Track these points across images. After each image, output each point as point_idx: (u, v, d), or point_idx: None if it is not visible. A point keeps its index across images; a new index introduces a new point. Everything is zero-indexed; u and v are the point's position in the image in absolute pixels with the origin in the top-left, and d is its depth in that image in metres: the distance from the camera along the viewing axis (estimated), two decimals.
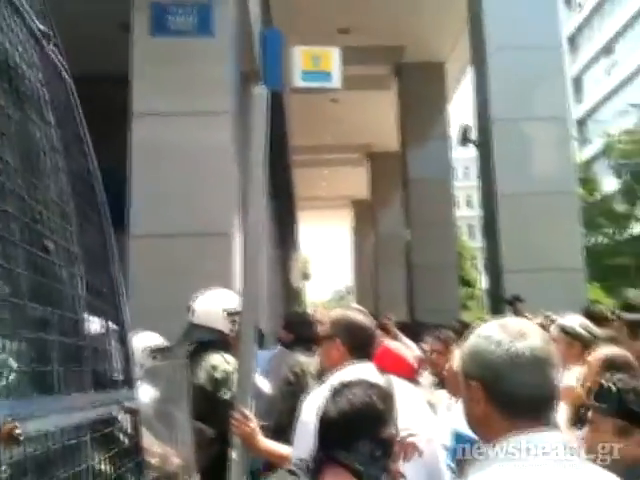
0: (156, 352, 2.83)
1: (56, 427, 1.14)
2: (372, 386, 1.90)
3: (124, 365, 1.68)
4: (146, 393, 2.35)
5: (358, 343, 2.53)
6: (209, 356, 3.44)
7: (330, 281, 61.46)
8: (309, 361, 4.16)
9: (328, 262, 58.49)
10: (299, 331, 4.51)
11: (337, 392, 1.87)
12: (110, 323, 1.64)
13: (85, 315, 1.44)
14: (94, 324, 1.52)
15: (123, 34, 5.73)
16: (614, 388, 2.05)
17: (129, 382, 1.68)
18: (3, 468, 0.91)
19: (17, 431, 0.87)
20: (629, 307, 4.18)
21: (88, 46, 6.69)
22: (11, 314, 1.03)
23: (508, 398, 1.31)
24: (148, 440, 2.32)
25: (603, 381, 2.13)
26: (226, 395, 3.22)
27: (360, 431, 1.78)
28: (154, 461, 2.27)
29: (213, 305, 3.57)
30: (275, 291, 15.11)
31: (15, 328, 1.02)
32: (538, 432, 1.29)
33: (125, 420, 1.58)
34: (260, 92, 2.90)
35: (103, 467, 1.43)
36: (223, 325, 3.51)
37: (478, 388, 1.33)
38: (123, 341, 1.71)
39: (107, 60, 6.33)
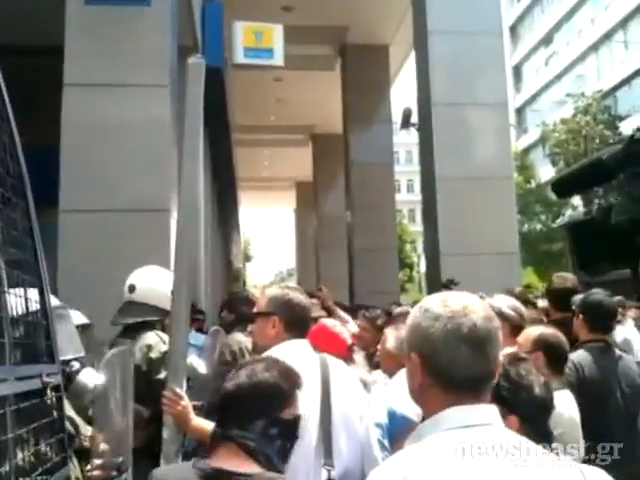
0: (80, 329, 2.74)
1: None
2: (275, 363, 1.85)
3: (47, 340, 1.63)
4: (104, 374, 2.31)
5: (295, 320, 2.53)
6: (145, 335, 3.39)
7: (273, 263, 61.39)
8: (248, 340, 4.14)
9: (271, 244, 58.46)
10: (240, 311, 4.49)
11: (239, 368, 1.83)
12: (33, 298, 1.58)
13: (5, 289, 1.38)
14: (15, 298, 1.46)
15: (58, 2, 5.50)
16: None
17: (52, 357, 1.62)
18: None
19: None
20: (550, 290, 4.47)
21: (21, 16, 6.42)
22: None
23: (445, 374, 1.30)
24: (98, 423, 2.28)
25: None
26: (161, 375, 3.17)
27: (255, 409, 1.74)
28: (98, 447, 2.23)
29: (158, 283, 3.50)
30: (216, 272, 14.97)
31: None
32: (474, 407, 1.29)
33: (48, 395, 1.53)
34: (196, 61, 2.83)
35: (23, 441, 1.38)
36: (165, 303, 3.45)
37: (416, 361, 1.33)
38: (46, 316, 1.65)
39: (41, 30, 6.08)
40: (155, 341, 3.36)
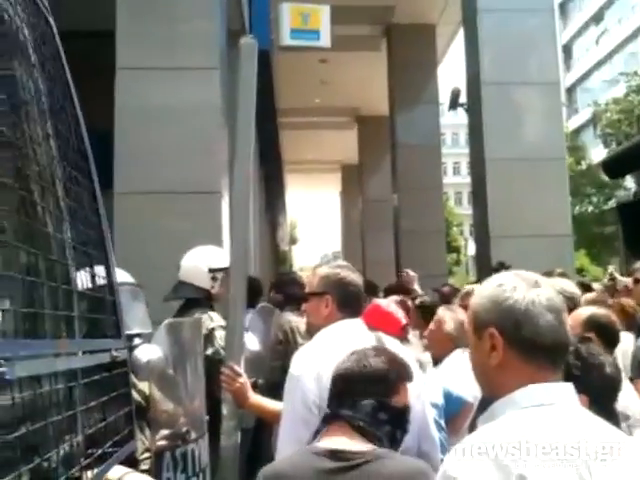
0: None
1: (45, 371, 1.11)
2: (385, 352, 1.96)
3: (114, 316, 1.66)
4: (162, 348, 2.35)
5: (348, 299, 2.50)
6: (193, 313, 3.45)
7: (318, 246, 61.48)
8: (298, 320, 4.17)
9: (316, 226, 58.52)
10: (288, 291, 4.53)
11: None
12: (99, 275, 1.61)
13: (74, 266, 1.41)
14: (83, 274, 1.49)
15: None
16: None
17: (118, 333, 1.66)
18: None
19: (2, 369, 0.85)
20: None
21: (73, 0, 6.51)
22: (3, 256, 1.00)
23: (529, 342, 1.30)
24: (158, 396, 2.33)
25: None
26: (208, 351, 3.23)
27: (363, 391, 1.82)
28: (162, 418, 2.28)
29: (196, 262, 3.58)
30: (263, 254, 15.09)
31: (4, 269, 0.99)
32: (552, 385, 1.29)
33: (115, 369, 1.56)
34: (248, 42, 2.83)
35: (92, 415, 1.42)
36: (205, 282, 3.53)
37: (496, 336, 1.32)
38: (112, 292, 1.68)
39: (92, 15, 6.17)
40: (203, 318, 3.41)
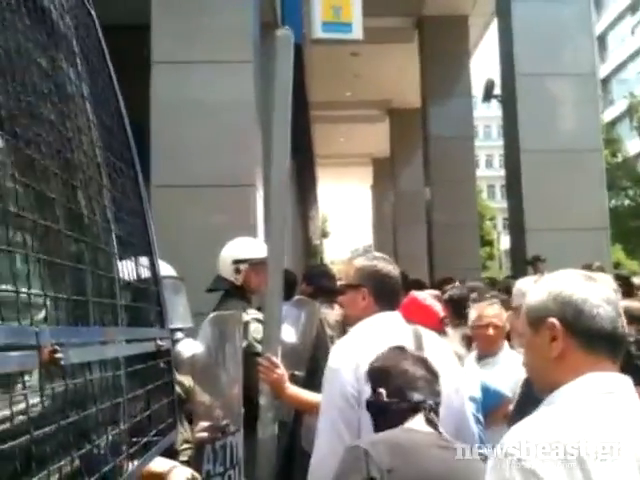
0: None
1: (94, 358, 1.12)
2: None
3: (157, 305, 1.67)
4: (204, 341, 2.36)
5: (385, 292, 2.47)
6: (228, 306, 3.45)
7: (349, 239, 61.42)
8: (327, 312, 4.17)
9: (347, 220, 58.45)
10: (319, 283, 4.51)
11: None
12: (144, 265, 1.62)
13: (120, 255, 1.42)
14: (128, 264, 1.50)
15: None
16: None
17: (162, 322, 1.67)
18: (45, 394, 0.89)
19: (58, 355, 0.85)
20: None
21: None
22: (51, 244, 1.01)
23: (590, 330, 1.31)
24: (199, 389, 2.35)
25: None
26: (243, 344, 3.23)
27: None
28: (203, 410, 2.29)
29: (223, 254, 3.58)
30: (294, 248, 15.12)
31: (53, 256, 1.00)
32: (611, 374, 1.30)
33: (159, 358, 1.57)
34: (285, 33, 2.81)
35: (136, 403, 1.43)
36: (229, 273, 3.51)
37: (558, 327, 1.33)
38: (156, 282, 1.69)
39: (127, 9, 6.22)
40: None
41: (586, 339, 1.31)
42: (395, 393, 1.96)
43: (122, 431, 1.28)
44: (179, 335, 2.31)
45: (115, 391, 1.26)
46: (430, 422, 1.93)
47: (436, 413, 1.97)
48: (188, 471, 1.62)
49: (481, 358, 3.41)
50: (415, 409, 1.94)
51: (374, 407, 2.01)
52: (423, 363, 2.06)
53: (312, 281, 4.60)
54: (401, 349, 2.10)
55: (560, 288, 1.36)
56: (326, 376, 2.28)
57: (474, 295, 4.49)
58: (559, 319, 1.33)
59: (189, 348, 2.33)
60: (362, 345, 2.28)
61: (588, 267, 4.36)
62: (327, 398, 2.25)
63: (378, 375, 2.04)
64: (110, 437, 1.20)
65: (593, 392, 1.26)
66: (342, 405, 2.19)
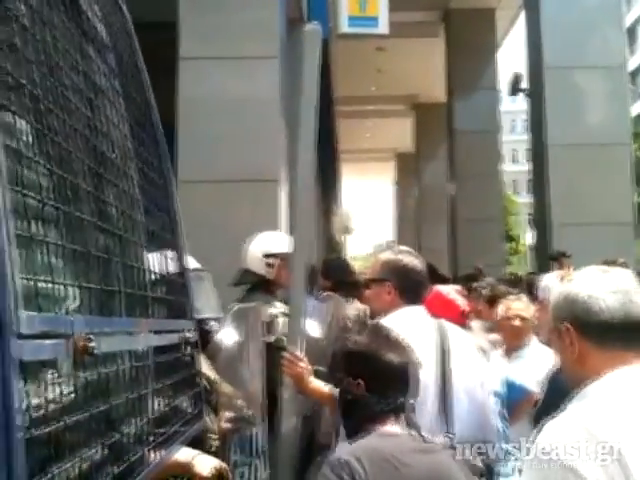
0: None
1: (125, 348, 1.15)
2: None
3: (184, 297, 1.70)
4: (229, 334, 2.39)
5: (410, 287, 2.47)
6: (255, 299, 3.47)
7: (371, 235, 61.25)
8: (349, 306, 4.17)
9: (370, 216, 58.29)
10: (337, 277, 4.48)
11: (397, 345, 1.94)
12: (171, 258, 1.64)
13: (149, 247, 1.45)
14: (156, 257, 1.52)
15: None
16: None
17: (188, 314, 1.69)
18: (78, 382, 0.92)
19: (92, 344, 0.88)
20: None
21: None
22: (83, 236, 1.03)
23: (598, 329, 1.30)
24: (227, 380, 2.38)
25: None
26: (270, 339, 3.24)
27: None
28: (229, 401, 2.32)
29: (252, 248, 3.59)
30: (317, 243, 15.13)
31: (85, 246, 1.02)
32: (632, 366, 1.28)
33: (185, 349, 1.59)
34: (313, 29, 2.81)
35: (163, 394, 1.45)
36: (260, 267, 3.52)
37: (570, 330, 1.33)
38: (182, 275, 1.71)
39: (154, 7, 6.27)
40: (264, 305, 3.43)
41: (596, 336, 1.31)
42: (377, 388, 1.81)
43: (149, 421, 1.31)
44: (214, 325, 2.33)
45: (143, 381, 1.28)
46: (410, 423, 1.83)
47: (413, 410, 1.88)
48: (215, 461, 1.64)
49: (509, 352, 3.40)
50: (396, 410, 1.82)
51: (348, 398, 1.86)
52: (407, 352, 1.88)
53: (330, 275, 4.56)
54: (384, 332, 1.93)
55: (570, 289, 1.36)
56: None
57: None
58: (571, 321, 1.33)
59: (227, 338, 2.35)
60: None
61: (612, 263, 4.30)
62: None
63: (358, 362, 1.86)
64: (137, 427, 1.22)
65: (625, 387, 1.25)
66: None
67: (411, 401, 1.86)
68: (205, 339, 2.50)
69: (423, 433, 1.85)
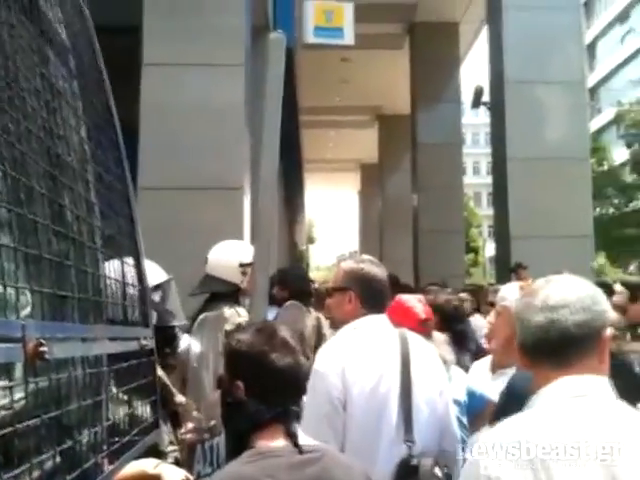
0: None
1: (78, 354, 1.12)
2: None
3: (142, 305, 1.67)
4: (196, 343, 2.36)
5: (372, 295, 2.44)
6: (220, 307, 3.45)
7: (335, 245, 61.44)
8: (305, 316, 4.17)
9: (334, 226, 58.50)
10: (294, 287, 4.45)
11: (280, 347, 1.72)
12: (128, 264, 1.62)
13: (105, 253, 1.42)
14: (113, 263, 1.50)
15: None
16: None
17: (146, 321, 1.67)
18: (29, 388, 0.90)
19: (43, 348, 0.86)
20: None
21: None
22: (37, 241, 1.01)
23: (522, 343, 1.36)
24: (190, 389, 2.35)
25: None
26: None
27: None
28: (187, 411, 2.29)
29: (226, 257, 3.58)
30: (281, 253, 15.10)
31: (38, 250, 1.00)
32: (581, 378, 1.30)
33: (142, 357, 1.57)
34: (278, 37, 2.82)
35: (119, 401, 1.43)
36: (236, 277, 3.52)
37: (519, 349, 1.39)
38: (141, 281, 1.69)
39: (118, 10, 6.21)
40: (230, 313, 3.41)
41: (522, 350, 1.36)
42: (257, 392, 1.61)
43: (103, 429, 1.28)
44: (180, 333, 2.31)
45: (97, 388, 1.26)
46: (290, 434, 1.62)
47: (298, 418, 1.69)
48: (182, 472, 1.61)
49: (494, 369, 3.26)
50: (281, 417, 1.62)
51: (228, 401, 1.68)
52: (297, 354, 1.66)
53: (288, 284, 4.50)
54: (270, 331, 1.69)
55: (518, 305, 1.44)
56: (311, 379, 2.21)
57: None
58: (519, 341, 1.38)
59: (194, 346, 2.33)
60: (348, 349, 2.28)
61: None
62: (312, 401, 2.21)
63: (238, 361, 1.66)
64: (90, 434, 1.20)
65: (564, 396, 1.27)
66: (327, 409, 2.19)
67: (295, 408, 1.67)
68: (171, 347, 2.48)
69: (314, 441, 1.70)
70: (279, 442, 1.59)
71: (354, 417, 2.19)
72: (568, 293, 1.35)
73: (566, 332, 1.31)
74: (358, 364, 2.24)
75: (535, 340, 1.32)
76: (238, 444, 1.62)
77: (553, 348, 1.31)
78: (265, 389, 1.61)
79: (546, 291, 1.35)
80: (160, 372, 2.35)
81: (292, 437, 1.60)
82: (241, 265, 3.53)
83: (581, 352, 1.32)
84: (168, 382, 2.38)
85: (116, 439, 1.38)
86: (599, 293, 1.38)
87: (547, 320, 1.31)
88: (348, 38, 7.68)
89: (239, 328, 3.31)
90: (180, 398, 2.36)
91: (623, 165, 31.07)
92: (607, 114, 36.58)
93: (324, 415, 2.18)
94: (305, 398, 2.14)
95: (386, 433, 2.23)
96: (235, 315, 3.38)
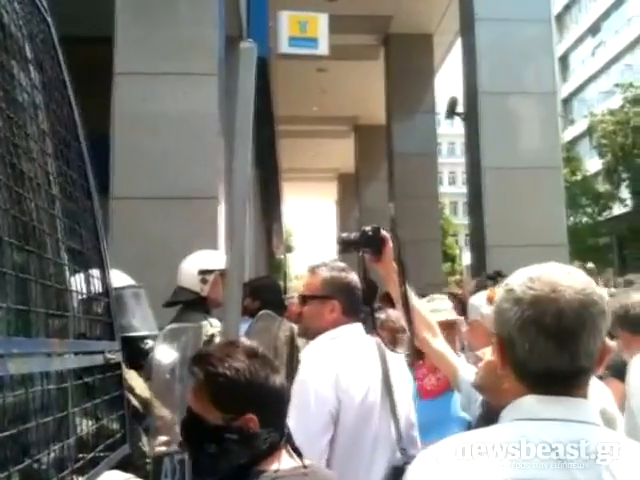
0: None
1: (37, 370, 1.10)
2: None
3: (107, 318, 1.64)
4: (165, 354, 2.32)
5: (353, 304, 2.43)
6: (190, 318, 3.41)
7: (314, 254, 61.44)
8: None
9: (312, 235, 58.53)
10: (265, 297, 4.40)
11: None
12: (93, 276, 1.59)
13: (69, 266, 1.40)
14: (77, 275, 1.47)
15: None
16: None
17: (112, 335, 1.64)
18: None
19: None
20: None
21: (69, 5, 6.51)
22: None
23: (520, 365, 1.18)
24: (160, 401, 2.30)
25: None
26: None
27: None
28: (162, 424, 2.25)
29: (187, 264, 3.55)
30: (258, 262, 15.04)
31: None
32: (556, 399, 1.15)
33: (108, 371, 1.54)
34: (248, 46, 2.81)
35: (84, 417, 1.40)
36: (194, 284, 3.47)
37: (497, 345, 1.22)
38: (106, 294, 1.66)
39: (89, 21, 6.18)
40: (202, 324, 3.38)
41: (517, 370, 1.22)
42: (270, 420, 1.50)
43: (67, 446, 1.25)
44: (150, 343, 2.27)
45: (61, 404, 1.23)
46: (293, 452, 1.54)
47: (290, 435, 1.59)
48: None
49: None
50: (285, 438, 1.54)
51: (233, 439, 1.48)
52: (279, 372, 1.57)
53: (257, 295, 4.44)
54: (255, 351, 1.56)
55: (505, 304, 1.23)
56: (299, 390, 2.16)
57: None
58: (499, 338, 1.24)
59: (166, 356, 2.29)
60: (336, 359, 2.25)
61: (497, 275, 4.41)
62: (302, 414, 2.11)
63: (247, 393, 1.49)
64: (54, 452, 1.17)
65: (519, 419, 1.17)
66: (323, 422, 2.16)
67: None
68: (141, 357, 2.44)
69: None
70: (288, 463, 1.52)
71: (346, 426, 2.18)
72: (582, 307, 1.24)
73: (576, 362, 1.17)
74: (348, 374, 2.23)
75: (538, 367, 1.17)
76: (236, 473, 1.50)
77: (558, 377, 1.17)
78: (275, 414, 1.52)
79: (556, 304, 1.15)
80: (142, 384, 2.32)
81: (299, 456, 1.52)
82: (201, 272, 3.47)
83: (585, 378, 1.21)
84: (149, 395, 2.35)
85: (81, 456, 1.35)
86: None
87: (558, 347, 1.14)
88: (322, 48, 7.70)
89: (212, 339, 3.30)
90: (163, 412, 2.32)
91: (596, 175, 31.52)
92: (580, 125, 37.09)
93: (320, 428, 2.15)
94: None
95: (378, 440, 2.23)
96: (207, 326, 3.35)
